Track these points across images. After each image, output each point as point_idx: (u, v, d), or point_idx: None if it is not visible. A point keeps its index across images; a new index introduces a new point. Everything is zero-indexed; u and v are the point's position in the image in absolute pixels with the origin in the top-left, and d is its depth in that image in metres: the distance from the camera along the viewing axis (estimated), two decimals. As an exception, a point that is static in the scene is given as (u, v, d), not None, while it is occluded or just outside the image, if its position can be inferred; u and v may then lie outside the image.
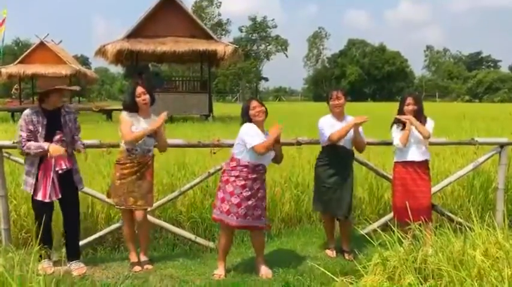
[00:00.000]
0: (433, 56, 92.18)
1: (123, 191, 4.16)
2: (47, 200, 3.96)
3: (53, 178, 3.97)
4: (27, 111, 4.02)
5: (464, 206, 5.78)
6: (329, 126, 4.52)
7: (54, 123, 4.02)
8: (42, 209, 4.02)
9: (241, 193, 3.99)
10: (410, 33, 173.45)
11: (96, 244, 4.88)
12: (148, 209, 4.39)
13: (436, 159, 6.98)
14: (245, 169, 4.01)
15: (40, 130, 3.97)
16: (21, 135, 3.94)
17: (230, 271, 4.22)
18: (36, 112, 4.01)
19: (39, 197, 3.97)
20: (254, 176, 4.02)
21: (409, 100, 4.60)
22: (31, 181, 4.03)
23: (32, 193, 4.03)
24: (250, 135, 3.99)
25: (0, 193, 4.67)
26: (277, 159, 4.22)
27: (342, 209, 4.53)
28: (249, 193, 3.99)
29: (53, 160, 3.96)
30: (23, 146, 3.93)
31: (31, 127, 3.94)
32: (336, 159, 4.54)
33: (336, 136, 4.41)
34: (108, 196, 4.38)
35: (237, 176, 4.02)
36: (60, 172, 3.98)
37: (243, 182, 3.99)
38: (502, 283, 2.64)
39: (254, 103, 4.10)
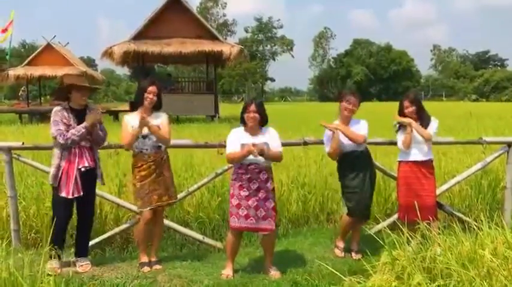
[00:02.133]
0: (440, 55, 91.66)
1: (146, 192, 4.19)
2: (70, 196, 4.03)
3: (76, 176, 4.05)
4: (58, 108, 4.13)
5: (473, 205, 5.77)
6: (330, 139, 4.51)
7: (80, 122, 4.10)
8: (62, 208, 4.10)
9: (239, 193, 4.01)
10: (416, 32, 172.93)
11: (105, 244, 4.91)
12: (174, 202, 4.51)
13: (443, 158, 6.96)
14: (239, 170, 4.04)
15: (73, 124, 4.07)
16: (59, 129, 4.00)
17: (238, 271, 4.23)
18: (66, 109, 4.14)
19: (63, 194, 4.04)
20: (249, 176, 4.01)
21: (406, 103, 4.59)
22: (56, 172, 4.07)
23: (56, 186, 4.08)
24: (229, 141, 4.06)
25: (9, 193, 4.73)
26: (275, 160, 4.18)
27: (367, 210, 4.60)
28: (247, 192, 3.99)
29: (77, 158, 4.06)
30: (66, 137, 3.98)
31: (65, 121, 4.05)
32: (352, 162, 4.53)
33: (332, 151, 4.48)
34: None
35: (234, 179, 4.07)
36: (83, 169, 4.07)
37: (239, 183, 4.02)
38: (511, 282, 2.63)
39: (251, 107, 4.05)
